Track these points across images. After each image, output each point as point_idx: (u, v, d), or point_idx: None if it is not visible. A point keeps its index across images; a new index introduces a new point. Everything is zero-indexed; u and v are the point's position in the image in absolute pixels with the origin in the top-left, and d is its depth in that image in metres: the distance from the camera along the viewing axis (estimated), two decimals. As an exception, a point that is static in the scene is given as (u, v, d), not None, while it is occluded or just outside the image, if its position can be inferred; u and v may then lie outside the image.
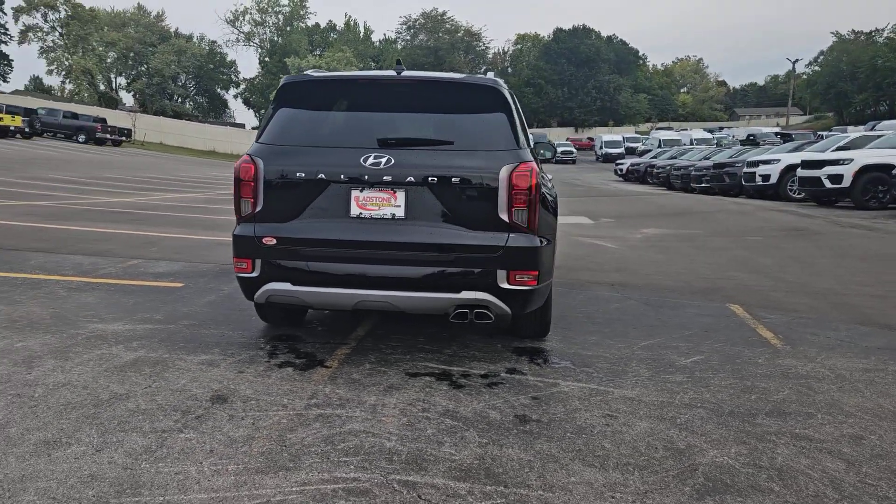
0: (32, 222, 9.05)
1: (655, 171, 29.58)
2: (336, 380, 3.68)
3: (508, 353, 4.22)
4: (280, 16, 76.35)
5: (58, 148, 34.15)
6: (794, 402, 3.52)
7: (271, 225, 3.73)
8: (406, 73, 3.97)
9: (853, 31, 78.77)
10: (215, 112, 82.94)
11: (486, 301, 3.63)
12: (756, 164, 18.33)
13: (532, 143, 5.69)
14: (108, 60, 73.70)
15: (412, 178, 3.60)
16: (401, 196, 3.62)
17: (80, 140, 39.78)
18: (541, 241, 3.81)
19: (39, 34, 71.77)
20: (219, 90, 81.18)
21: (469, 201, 3.63)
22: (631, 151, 48.77)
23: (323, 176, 3.64)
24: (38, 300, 5.09)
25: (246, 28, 77.24)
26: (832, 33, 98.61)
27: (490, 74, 4.05)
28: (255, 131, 3.83)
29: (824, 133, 35.45)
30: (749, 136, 39.64)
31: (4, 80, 75.04)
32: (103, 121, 41.94)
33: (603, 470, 2.75)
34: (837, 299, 6.07)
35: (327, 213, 3.67)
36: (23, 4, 70.08)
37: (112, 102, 70.49)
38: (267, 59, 71.91)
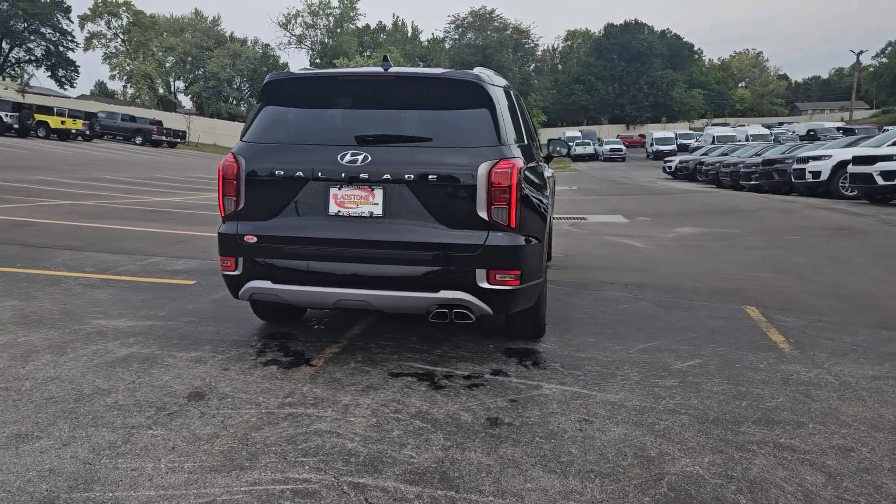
0: (72, 221, 9.41)
1: (704, 168, 28.70)
2: (317, 379, 3.68)
3: (498, 355, 4.14)
4: (331, 18, 77.49)
5: (115, 150, 35.54)
6: (787, 409, 3.33)
7: (253, 223, 3.76)
8: (392, 69, 3.93)
9: (924, 19, 74.58)
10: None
11: (465, 301, 3.57)
12: (806, 160, 17.55)
13: (535, 140, 5.61)
14: (167, 65, 76.26)
15: (389, 176, 3.56)
16: (378, 194, 3.59)
17: (138, 142, 41.33)
18: (526, 240, 3.72)
19: (103, 41, 74.93)
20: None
21: (447, 199, 3.57)
22: (684, 148, 47.42)
23: (301, 174, 3.65)
24: (53, 296, 5.28)
25: (297, 31, 78.75)
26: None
27: (477, 70, 3.96)
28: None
29: (889, 128, 33.75)
30: (809, 131, 37.99)
31: (71, 86, 78.65)
32: (159, 123, 43.46)
33: (563, 477, 2.65)
34: (867, 301, 5.74)
35: (307, 211, 3.67)
36: (87, 12, 73.30)
37: (170, 105, 72.99)
38: (317, 60, 73.11)
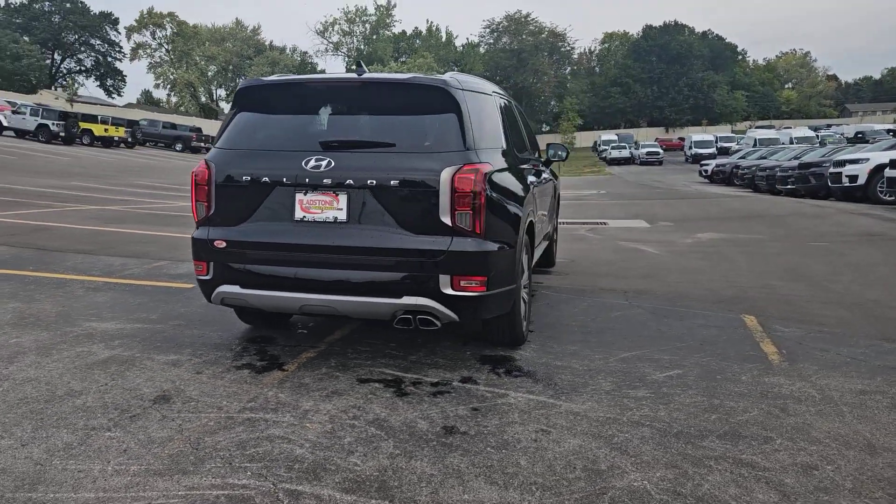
0: (93, 225, 9.69)
1: (741, 172, 28.00)
2: (284, 384, 3.69)
3: (473, 361, 4.10)
4: (367, 25, 78.38)
5: (155, 156, 36.54)
6: (757, 424, 3.20)
7: (222, 228, 3.80)
8: (366, 74, 3.93)
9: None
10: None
11: (428, 307, 3.54)
12: (843, 163, 16.95)
13: (527, 146, 5.54)
14: (209, 73, 78.21)
15: (352, 182, 3.56)
16: (343, 199, 3.59)
17: (178, 148, 42.42)
18: (494, 247, 3.67)
19: (148, 51, 77.33)
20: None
21: (410, 204, 3.55)
22: (724, 152, 46.35)
23: (267, 179, 3.68)
24: (55, 299, 5.43)
25: (335, 38, 79.86)
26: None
27: (449, 74, 3.93)
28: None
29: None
30: (857, 133, 36.68)
31: (119, 95, 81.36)
32: (198, 130, 44.56)
33: (503, 489, 2.60)
34: (877, 312, 5.50)
35: (274, 216, 3.70)
36: (134, 24, 75.71)
37: (212, 113, 74.80)
38: (353, 67, 74.03)
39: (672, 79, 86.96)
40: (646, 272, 7.30)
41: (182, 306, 5.34)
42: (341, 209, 3.59)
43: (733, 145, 47.67)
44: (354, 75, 3.90)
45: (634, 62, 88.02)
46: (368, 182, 3.54)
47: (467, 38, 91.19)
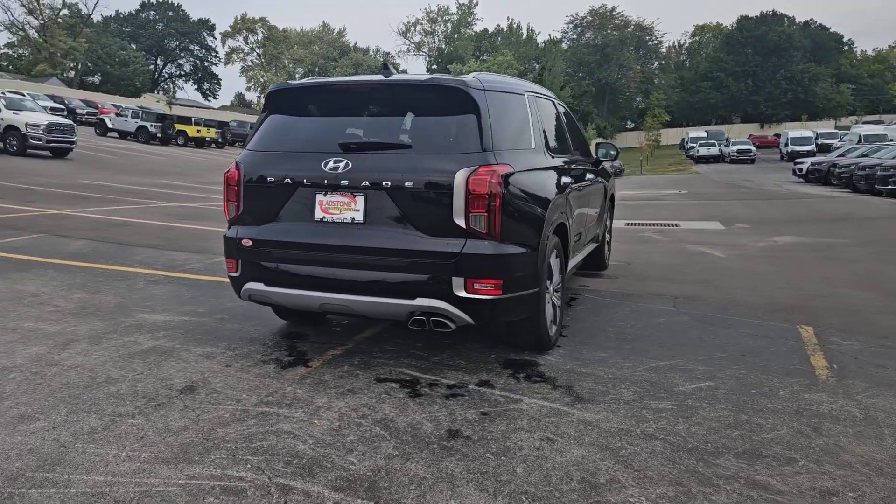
0: (168, 222, 10.26)
1: (837, 171, 26.22)
2: (305, 380, 3.78)
3: (495, 365, 4.05)
4: (448, 24, 78.87)
5: (244, 155, 38.21)
6: (782, 443, 3.00)
7: (249, 227, 3.93)
8: (393, 76, 3.96)
9: None
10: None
11: (441, 309, 3.52)
12: (950, 161, 15.56)
13: (568, 146, 5.40)
14: (297, 76, 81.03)
15: (367, 183, 3.59)
16: (360, 200, 3.63)
17: (265, 148, 44.16)
18: (513, 250, 3.61)
19: (241, 55, 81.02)
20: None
21: (425, 206, 3.54)
22: (825, 149, 43.57)
23: (290, 180, 3.77)
24: (116, 291, 5.79)
25: (416, 38, 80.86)
26: None
27: (472, 75, 3.88)
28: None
29: None
30: (978, 129, 33.62)
31: (214, 97, 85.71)
32: (285, 130, 46.21)
33: (491, 497, 2.56)
34: (957, 326, 5.02)
35: (296, 216, 3.79)
36: (228, 29, 79.54)
37: (299, 113, 77.38)
38: (434, 66, 74.66)
39: (769, 72, 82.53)
40: (704, 277, 6.97)
41: (229, 301, 5.55)
42: (358, 210, 3.64)
43: (835, 142, 44.67)
44: (379, 77, 3.93)
45: (727, 55, 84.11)
46: (384, 183, 3.56)
47: (549, 35, 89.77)
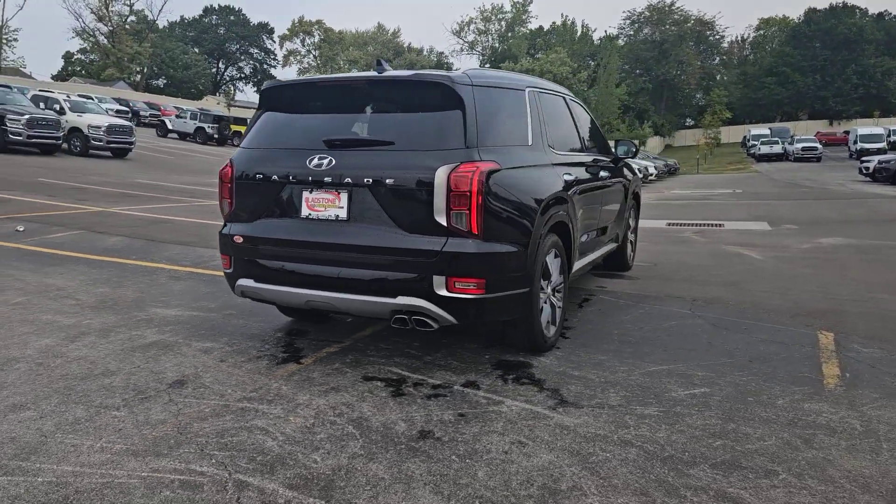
0: (204, 219, 10.54)
1: (906, 169, 24.85)
2: (293, 376, 3.80)
3: (486, 366, 3.98)
4: (503, 23, 78.51)
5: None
6: (767, 455, 2.83)
7: (241, 224, 3.98)
8: (387, 72, 3.93)
9: None
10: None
11: (422, 308, 3.47)
12: None
13: (579, 142, 5.26)
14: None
15: (350, 180, 3.58)
16: (344, 197, 3.62)
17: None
18: (497, 248, 3.53)
19: (298, 57, 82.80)
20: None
21: (407, 203, 3.50)
22: (897, 147, 41.41)
23: (277, 177, 3.79)
24: (138, 286, 5.97)
25: (470, 37, 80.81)
26: None
27: (463, 70, 3.82)
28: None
29: None
30: None
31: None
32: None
33: (445, 500, 2.51)
34: None
35: (284, 213, 3.81)
36: (286, 32, 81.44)
37: (354, 113, 78.55)
38: (487, 65, 74.48)
39: (838, 66, 78.81)
40: (733, 279, 6.69)
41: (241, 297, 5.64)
42: (342, 207, 3.63)
43: (911, 138, 42.41)
44: (365, 74, 3.93)
45: (794, 49, 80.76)
46: (365, 180, 3.55)
47: (605, 31, 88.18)
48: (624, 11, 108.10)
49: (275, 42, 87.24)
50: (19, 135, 19.23)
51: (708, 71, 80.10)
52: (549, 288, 4.21)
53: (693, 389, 3.59)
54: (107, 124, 21.99)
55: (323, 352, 4.24)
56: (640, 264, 7.36)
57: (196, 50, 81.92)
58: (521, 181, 3.83)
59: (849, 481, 2.61)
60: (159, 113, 43.90)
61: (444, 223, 3.43)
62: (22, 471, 2.71)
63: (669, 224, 12.25)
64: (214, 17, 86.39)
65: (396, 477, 2.68)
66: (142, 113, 43.50)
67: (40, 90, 28.54)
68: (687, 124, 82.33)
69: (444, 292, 3.45)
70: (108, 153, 22.60)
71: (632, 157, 6.07)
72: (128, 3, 67.97)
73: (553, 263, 4.22)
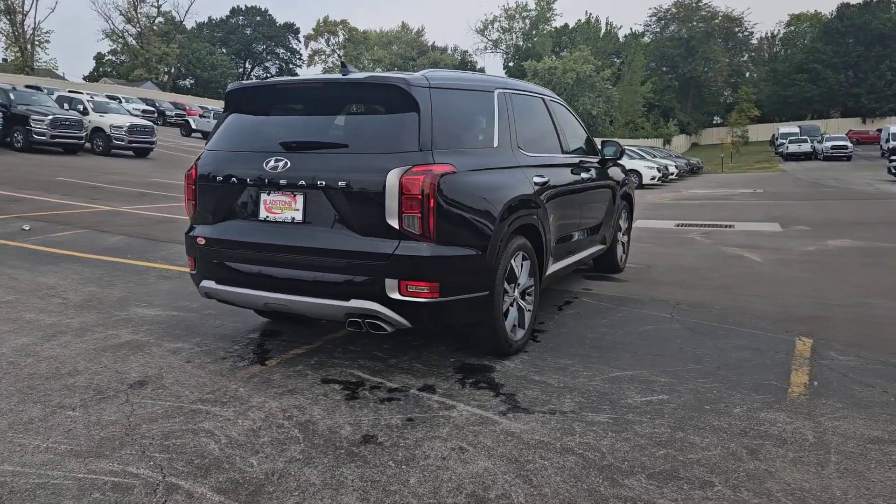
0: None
1: (935, 167, 24.17)
2: (253, 378, 3.82)
3: (449, 370, 3.95)
4: (527, 21, 78.10)
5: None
6: (707, 465, 2.76)
7: (203, 226, 4.01)
8: (351, 75, 3.92)
9: None
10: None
11: (375, 311, 3.46)
12: None
13: (558, 145, 5.20)
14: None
15: (305, 182, 3.58)
16: (300, 200, 3.63)
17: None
18: (451, 251, 3.50)
19: (322, 56, 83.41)
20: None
21: (359, 206, 3.49)
22: (936, 146, 40.25)
23: (235, 180, 3.81)
24: (126, 285, 6.06)
25: (494, 36, 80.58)
26: None
27: (423, 72, 3.78)
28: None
29: None
30: None
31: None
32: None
33: (368, 507, 2.49)
34: None
35: (243, 215, 3.84)
36: (311, 32, 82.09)
37: (377, 112, 78.92)
38: (510, 63, 74.18)
39: (872, 63, 76.86)
40: (724, 283, 6.56)
41: (225, 297, 5.69)
42: (298, 210, 3.64)
43: (948, 137, 41.23)
44: (324, 76, 3.94)
45: (826, 45, 78.94)
46: (320, 183, 3.54)
47: (630, 29, 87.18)
48: (650, 8, 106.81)
49: (300, 42, 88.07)
50: (43, 135, 19.73)
51: (736, 68, 78.75)
52: (517, 291, 4.17)
53: (651, 396, 3.53)
54: (128, 124, 22.40)
55: (290, 353, 4.26)
56: (634, 266, 7.26)
57: (223, 50, 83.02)
58: (481, 184, 3.79)
59: (785, 495, 2.54)
60: (184, 113, 44.58)
61: (397, 226, 3.41)
62: (-36, 470, 2.76)
63: (679, 224, 12.07)
64: (241, 17, 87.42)
65: (327, 483, 2.67)
66: (168, 113, 44.20)
67: (68, 91, 29.23)
68: (715, 122, 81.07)
69: (396, 295, 3.44)
70: (130, 152, 23.03)
71: (616, 158, 5.99)
72: (155, 4, 68.95)
73: (521, 266, 4.17)
